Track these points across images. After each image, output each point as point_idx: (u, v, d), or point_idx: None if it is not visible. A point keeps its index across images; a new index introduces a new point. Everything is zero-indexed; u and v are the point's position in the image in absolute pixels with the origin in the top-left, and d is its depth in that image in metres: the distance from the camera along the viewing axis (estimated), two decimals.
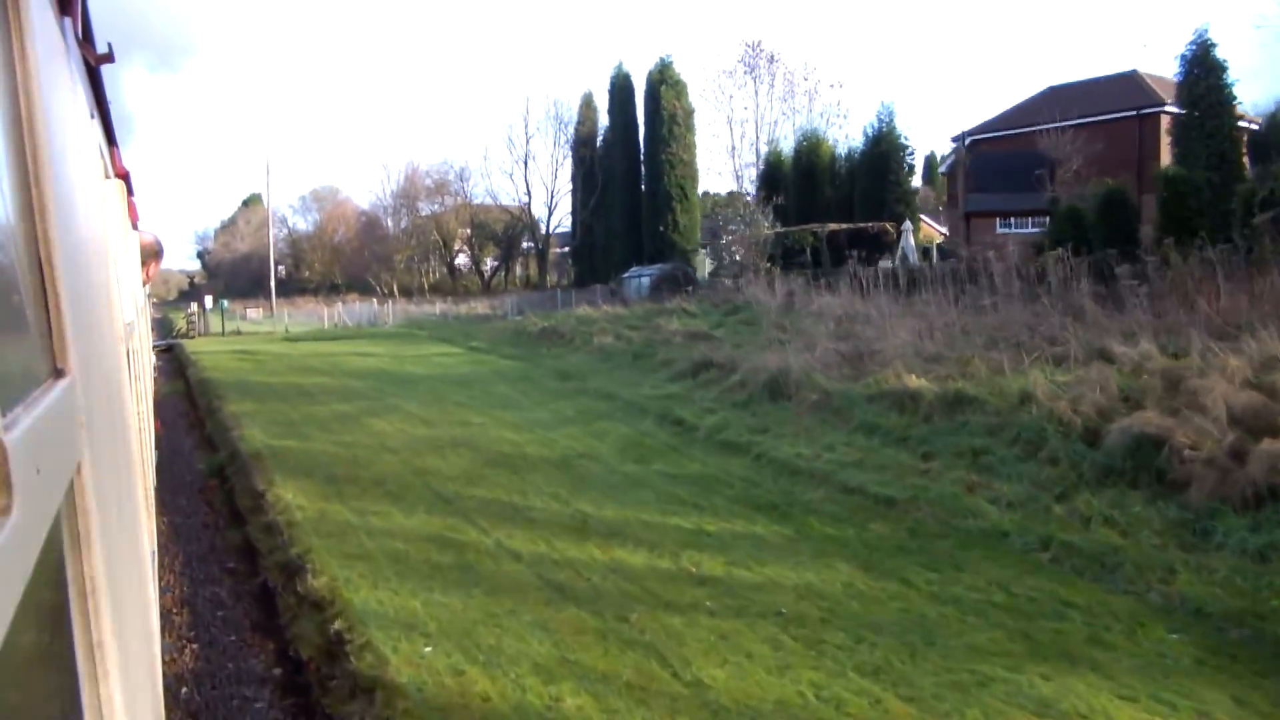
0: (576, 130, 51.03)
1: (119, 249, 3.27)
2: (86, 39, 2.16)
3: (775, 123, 46.92)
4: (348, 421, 12.66)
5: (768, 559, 6.49)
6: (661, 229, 42.69)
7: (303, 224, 70.21)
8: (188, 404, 16.95)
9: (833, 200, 36.87)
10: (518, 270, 61.53)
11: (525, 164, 55.87)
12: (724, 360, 14.13)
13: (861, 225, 31.81)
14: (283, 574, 6.69)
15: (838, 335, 14.66)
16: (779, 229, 31.93)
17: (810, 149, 39.41)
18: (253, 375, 19.03)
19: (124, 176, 4.17)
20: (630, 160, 45.91)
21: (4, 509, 0.58)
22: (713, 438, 10.51)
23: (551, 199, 56.54)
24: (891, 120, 35.56)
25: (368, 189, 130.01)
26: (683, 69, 50.48)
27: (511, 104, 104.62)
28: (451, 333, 30.45)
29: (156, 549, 4.41)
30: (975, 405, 9.37)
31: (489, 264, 62.14)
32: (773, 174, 40.30)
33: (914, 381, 10.32)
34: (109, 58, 2.39)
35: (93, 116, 2.32)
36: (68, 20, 1.57)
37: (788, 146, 43.71)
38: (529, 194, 57.11)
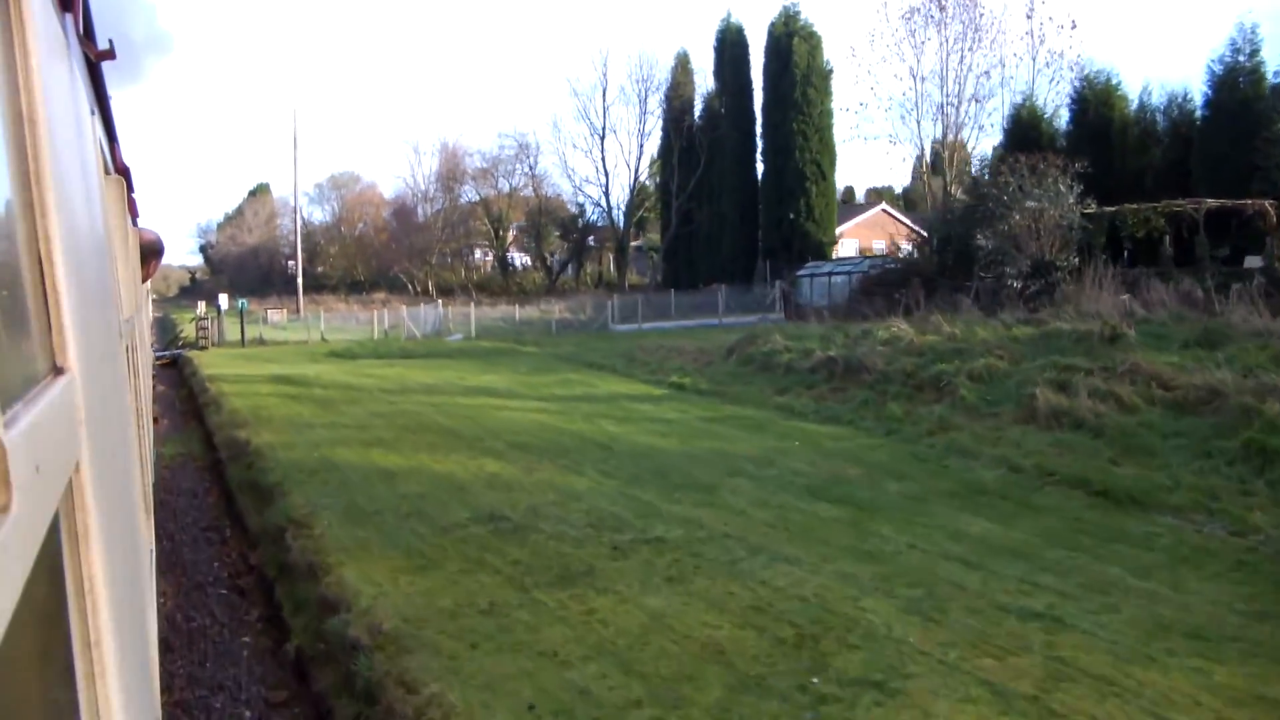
0: (668, 98, 41.96)
1: (119, 246, 3.29)
2: (88, 35, 2.16)
3: (976, 75, 34.58)
4: None
5: None
6: (792, 216, 34.37)
7: (319, 214, 64.73)
8: (217, 500, 9.34)
9: (1151, 167, 27.04)
10: (587, 266, 52.37)
11: (604, 137, 46.98)
12: None
13: (1239, 203, 22.23)
14: None
15: None
16: (1093, 209, 22.85)
17: (1100, 98, 28.22)
18: (335, 443, 10.81)
19: (124, 172, 4.19)
20: (743, 133, 37.40)
21: (3, 506, 0.58)
22: None
23: (633, 180, 46.97)
24: (1256, 50, 24.76)
25: (393, 174, 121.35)
26: (813, 18, 41.24)
27: (577, 67, 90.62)
28: (582, 351, 20.69)
29: (155, 548, 4.43)
30: None
31: (550, 258, 52.59)
32: (1025, 135, 28.83)
33: None
34: (110, 54, 2.40)
35: (93, 113, 2.32)
36: (69, 17, 1.58)
37: (1045, 99, 32.22)
38: (606, 175, 48.48)
